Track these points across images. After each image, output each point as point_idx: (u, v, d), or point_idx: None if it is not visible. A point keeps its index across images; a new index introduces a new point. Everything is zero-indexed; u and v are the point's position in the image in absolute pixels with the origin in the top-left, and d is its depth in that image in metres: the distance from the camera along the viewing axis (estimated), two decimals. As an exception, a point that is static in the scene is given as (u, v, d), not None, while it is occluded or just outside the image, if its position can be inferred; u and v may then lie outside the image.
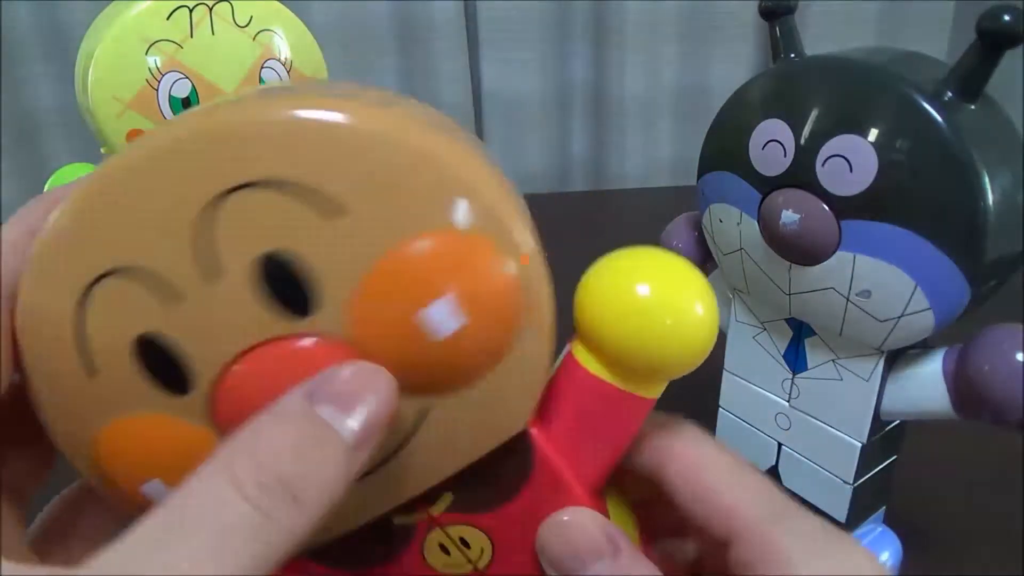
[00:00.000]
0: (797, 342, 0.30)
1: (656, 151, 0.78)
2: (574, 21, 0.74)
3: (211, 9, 0.23)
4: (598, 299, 0.16)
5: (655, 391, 0.17)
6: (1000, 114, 0.24)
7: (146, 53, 0.23)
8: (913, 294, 0.24)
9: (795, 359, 0.30)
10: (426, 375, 0.15)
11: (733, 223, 0.28)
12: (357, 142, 0.13)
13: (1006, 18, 0.21)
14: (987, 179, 0.22)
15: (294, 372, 0.14)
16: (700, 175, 0.30)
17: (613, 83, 0.74)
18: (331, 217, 0.14)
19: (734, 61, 0.76)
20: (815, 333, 0.29)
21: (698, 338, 0.16)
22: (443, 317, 0.14)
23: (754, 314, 0.31)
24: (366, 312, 0.14)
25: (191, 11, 0.23)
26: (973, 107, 0.23)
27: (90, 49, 0.23)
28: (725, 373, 0.34)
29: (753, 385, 0.32)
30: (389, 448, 0.15)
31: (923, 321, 0.25)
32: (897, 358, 0.27)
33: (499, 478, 0.17)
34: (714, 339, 0.16)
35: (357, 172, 0.13)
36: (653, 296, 0.16)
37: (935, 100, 0.23)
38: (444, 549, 0.17)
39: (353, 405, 0.13)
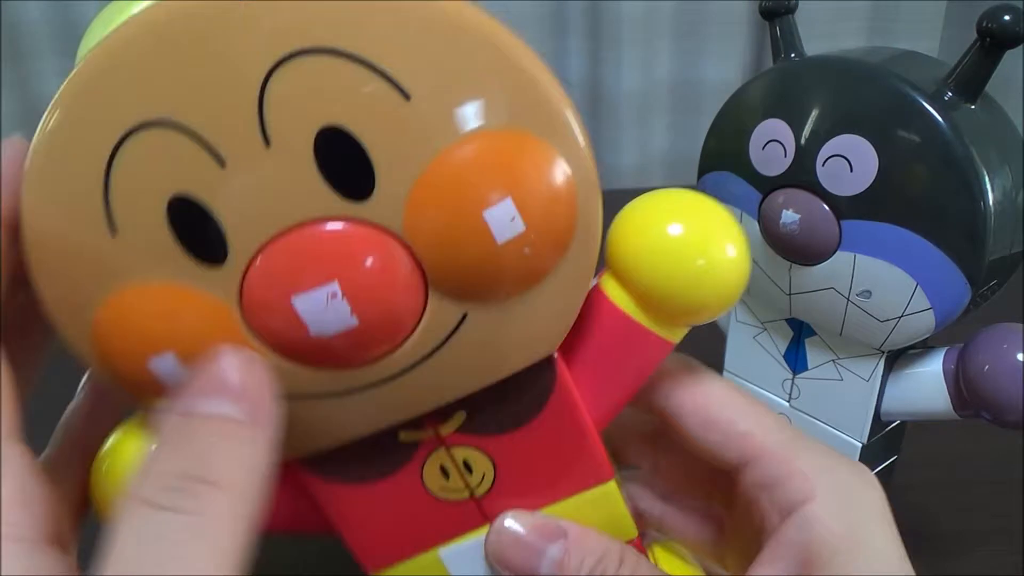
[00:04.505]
0: (797, 342, 0.30)
1: (651, 145, 0.79)
2: (570, 18, 0.74)
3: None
4: (632, 234, 0.16)
5: (677, 335, 0.17)
6: (1000, 114, 0.24)
7: (145, 53, 0.23)
8: (914, 294, 0.24)
9: (795, 359, 0.30)
10: (474, 280, 0.14)
11: (733, 223, 0.28)
12: (430, 27, 0.12)
13: (1006, 18, 0.21)
14: (987, 179, 0.22)
15: (341, 259, 0.13)
16: (700, 175, 0.30)
17: (609, 79, 0.75)
18: (394, 100, 0.12)
19: (727, 57, 0.77)
20: (815, 333, 0.29)
21: (728, 281, 0.16)
22: (504, 220, 0.13)
23: (754, 314, 0.31)
24: (428, 206, 0.13)
25: (191, 11, 0.23)
26: (973, 107, 0.23)
27: (88, 50, 0.23)
28: (725, 373, 0.33)
29: (753, 385, 0.32)
30: (422, 352, 0.14)
31: (924, 321, 0.25)
32: (897, 358, 0.27)
33: (516, 402, 0.16)
34: (744, 283, 0.16)
35: (426, 57, 0.12)
36: (686, 235, 0.15)
37: (935, 100, 0.23)
38: (444, 472, 0.17)
39: (228, 389, 0.13)
